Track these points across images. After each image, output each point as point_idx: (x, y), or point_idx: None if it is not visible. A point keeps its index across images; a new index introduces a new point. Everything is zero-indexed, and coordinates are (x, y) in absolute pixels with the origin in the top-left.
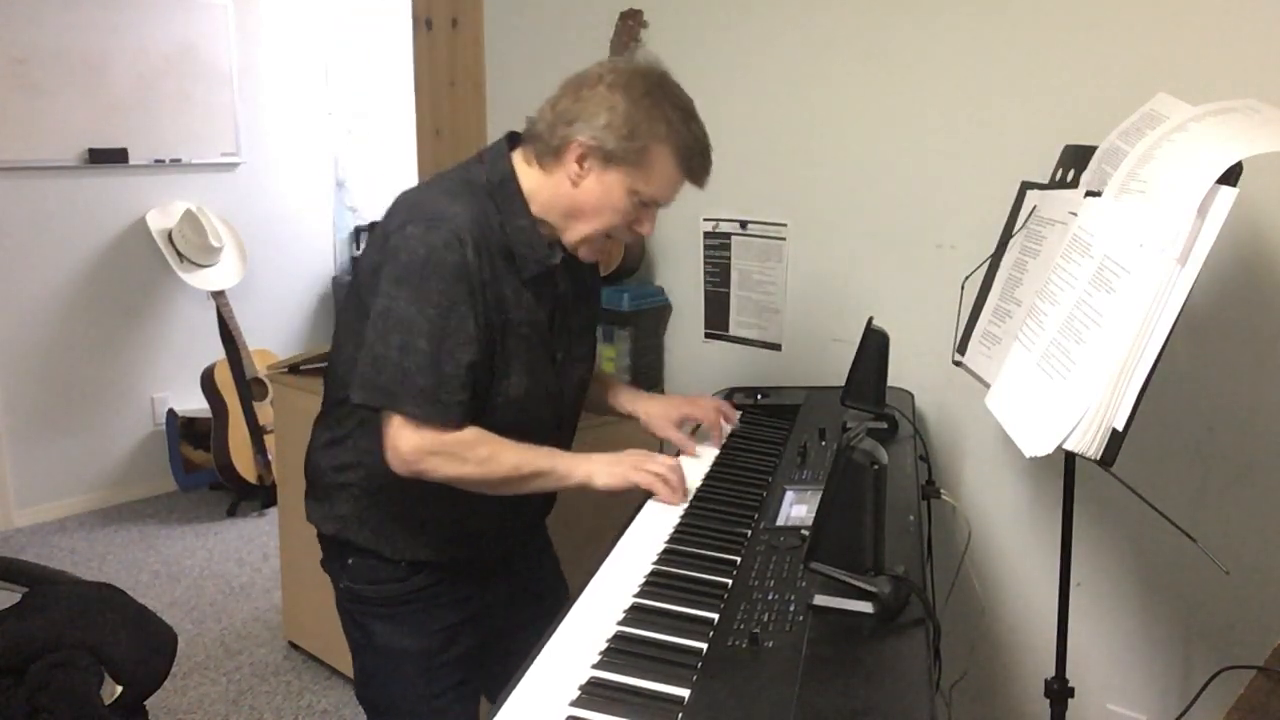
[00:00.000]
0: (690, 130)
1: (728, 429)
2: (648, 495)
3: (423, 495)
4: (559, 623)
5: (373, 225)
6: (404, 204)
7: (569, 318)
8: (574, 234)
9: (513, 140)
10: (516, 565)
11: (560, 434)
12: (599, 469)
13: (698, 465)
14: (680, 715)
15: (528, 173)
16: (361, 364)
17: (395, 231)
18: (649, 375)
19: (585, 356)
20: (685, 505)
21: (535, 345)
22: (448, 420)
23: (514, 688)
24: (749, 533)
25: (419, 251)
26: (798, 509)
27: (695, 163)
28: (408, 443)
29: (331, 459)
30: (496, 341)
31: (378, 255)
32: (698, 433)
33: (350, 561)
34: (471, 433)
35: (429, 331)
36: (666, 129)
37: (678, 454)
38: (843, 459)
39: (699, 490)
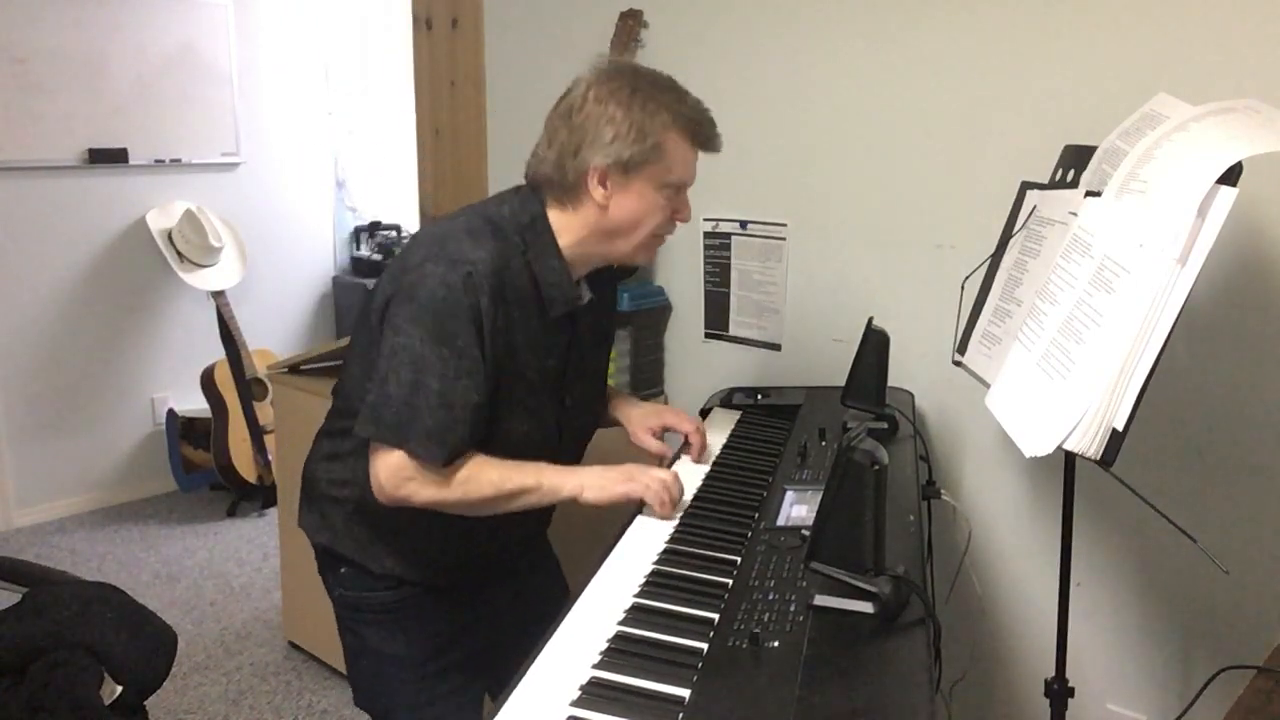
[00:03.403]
0: (688, 105)
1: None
2: (643, 502)
3: (414, 521)
4: (559, 623)
5: (373, 226)
6: (426, 239)
7: (584, 361)
8: (623, 248)
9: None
10: (517, 568)
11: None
12: (590, 481)
13: (697, 466)
14: (680, 715)
15: (553, 213)
16: (371, 395)
17: (414, 268)
18: (649, 375)
19: (594, 400)
20: (686, 505)
21: (541, 391)
22: (443, 458)
23: (514, 688)
24: (749, 533)
25: (438, 292)
26: (798, 509)
27: (705, 132)
28: (386, 469)
29: (329, 473)
30: (502, 388)
31: (392, 286)
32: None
33: (343, 570)
34: None
35: (441, 372)
36: (670, 115)
37: (672, 463)
38: (843, 459)
39: (699, 490)
